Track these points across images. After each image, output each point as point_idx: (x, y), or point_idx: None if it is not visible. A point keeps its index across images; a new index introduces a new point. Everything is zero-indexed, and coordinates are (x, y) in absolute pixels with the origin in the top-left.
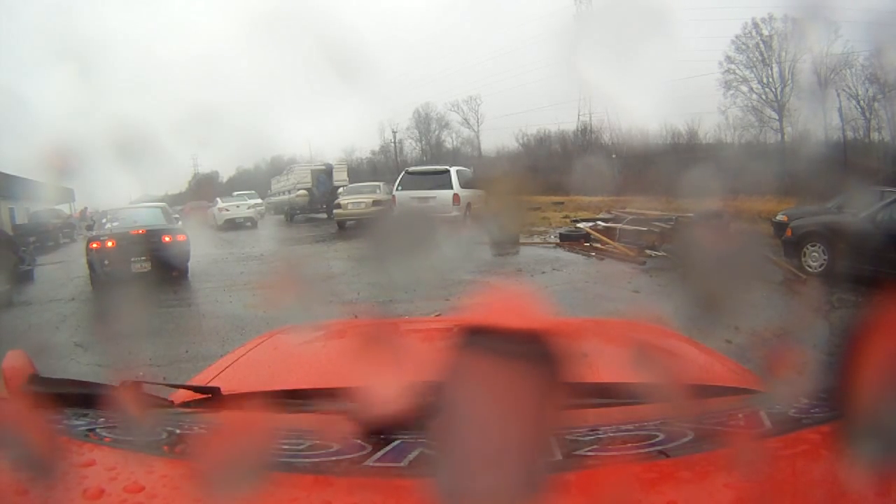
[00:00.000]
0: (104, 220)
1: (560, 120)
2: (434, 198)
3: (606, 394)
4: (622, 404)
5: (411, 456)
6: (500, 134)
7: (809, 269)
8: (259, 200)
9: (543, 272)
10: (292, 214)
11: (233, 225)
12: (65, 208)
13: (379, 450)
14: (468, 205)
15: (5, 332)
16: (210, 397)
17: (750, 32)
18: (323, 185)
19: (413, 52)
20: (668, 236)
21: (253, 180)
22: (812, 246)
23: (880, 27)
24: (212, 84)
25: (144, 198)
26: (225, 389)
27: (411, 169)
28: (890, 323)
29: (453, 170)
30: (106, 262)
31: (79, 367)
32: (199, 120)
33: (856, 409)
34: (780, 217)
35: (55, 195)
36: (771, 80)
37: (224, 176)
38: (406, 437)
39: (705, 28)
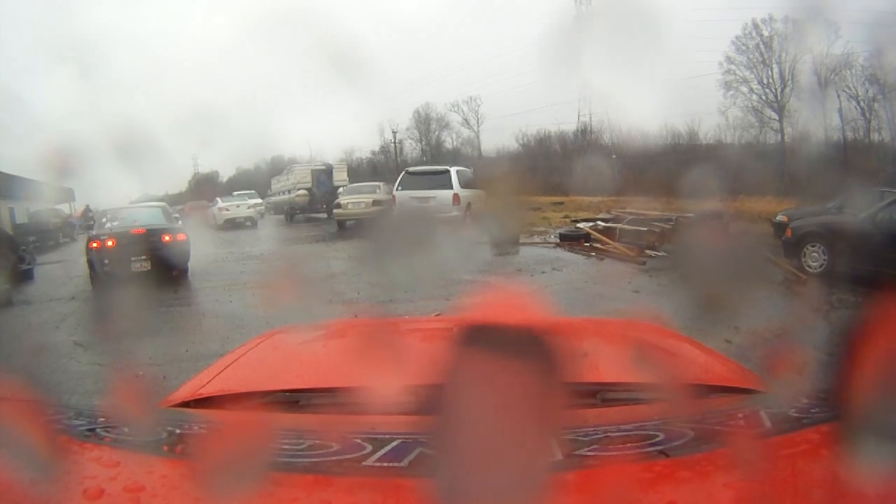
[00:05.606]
0: (104, 220)
1: (560, 120)
2: (434, 198)
3: (607, 394)
4: (622, 404)
5: (411, 456)
6: (500, 134)
7: (809, 270)
8: (259, 200)
9: (543, 272)
10: (292, 214)
11: (233, 225)
12: (65, 208)
13: (379, 450)
14: (468, 205)
15: (5, 332)
16: (210, 397)
17: (750, 33)
18: (323, 185)
19: (413, 52)
20: (668, 236)
21: (253, 180)
22: (812, 246)
23: (880, 28)
24: (212, 84)
25: (144, 197)
26: (225, 389)
27: (411, 169)
28: (890, 323)
29: (453, 170)
30: (106, 261)
31: (79, 366)
32: (200, 120)
33: (856, 409)
34: (780, 217)
35: (55, 195)
36: (771, 80)
37: (224, 176)
38: (406, 437)
39: (705, 28)
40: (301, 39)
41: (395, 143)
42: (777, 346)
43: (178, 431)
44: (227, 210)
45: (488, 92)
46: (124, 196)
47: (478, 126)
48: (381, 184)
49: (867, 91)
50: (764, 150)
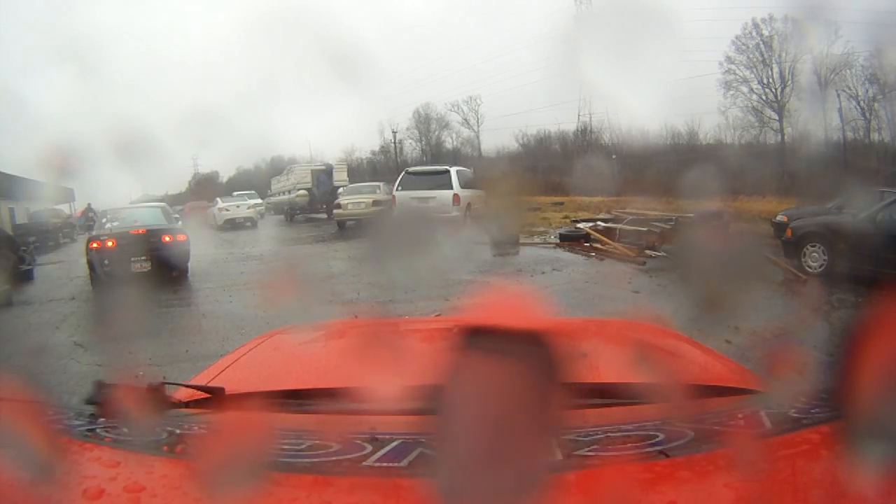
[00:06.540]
0: (104, 220)
1: (560, 120)
2: (434, 198)
3: (606, 394)
4: (622, 404)
5: (411, 456)
6: (500, 134)
7: (809, 270)
8: (259, 200)
9: (543, 272)
10: (292, 214)
11: (233, 225)
12: (65, 208)
13: (379, 450)
14: (468, 205)
15: (5, 332)
16: (210, 397)
17: (750, 33)
18: (323, 185)
19: (413, 52)
20: (668, 237)
21: (253, 180)
22: (812, 246)
23: (880, 27)
24: (212, 84)
25: (144, 198)
26: (225, 389)
27: (411, 169)
28: (890, 323)
29: (453, 170)
30: (106, 261)
31: (79, 366)
32: (200, 120)
33: (856, 409)
34: (780, 217)
35: (55, 195)
36: (771, 80)
37: (224, 176)
38: (406, 437)
39: (705, 28)
40: (301, 39)
41: (395, 143)
42: (777, 347)
43: (178, 431)
44: (227, 210)
45: (488, 92)
46: (124, 196)
47: (478, 126)
48: (381, 184)
49: (867, 91)
50: (764, 150)
